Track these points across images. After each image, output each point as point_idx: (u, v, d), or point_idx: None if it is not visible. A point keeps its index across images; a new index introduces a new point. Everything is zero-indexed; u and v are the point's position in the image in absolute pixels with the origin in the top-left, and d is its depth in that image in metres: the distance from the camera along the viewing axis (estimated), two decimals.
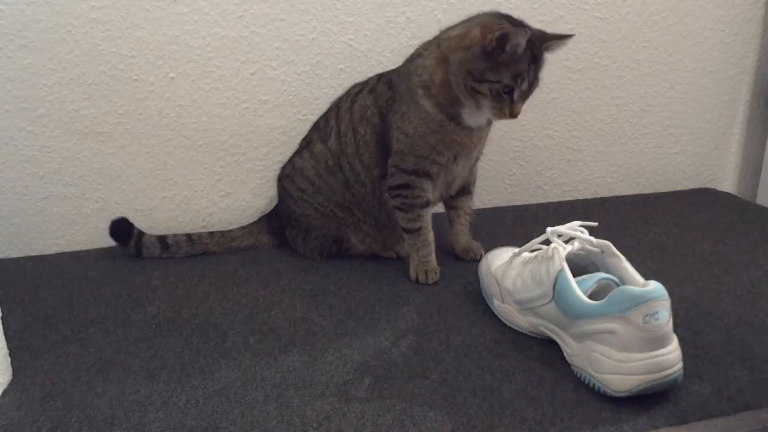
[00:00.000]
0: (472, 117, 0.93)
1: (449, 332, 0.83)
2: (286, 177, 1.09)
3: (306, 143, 1.07)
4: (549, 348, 0.78)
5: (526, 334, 0.82)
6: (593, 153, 1.38)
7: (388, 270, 1.02)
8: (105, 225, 1.13)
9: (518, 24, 0.89)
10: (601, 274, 0.74)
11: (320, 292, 0.95)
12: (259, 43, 1.13)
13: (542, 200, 1.37)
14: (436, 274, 0.98)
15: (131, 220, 1.12)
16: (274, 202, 1.15)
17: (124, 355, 0.79)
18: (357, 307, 0.90)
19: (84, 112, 1.09)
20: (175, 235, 1.09)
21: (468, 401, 0.69)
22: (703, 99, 1.42)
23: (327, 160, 1.03)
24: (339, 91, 1.11)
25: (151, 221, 1.17)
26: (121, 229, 1.07)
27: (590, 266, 0.78)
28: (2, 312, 0.75)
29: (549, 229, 0.79)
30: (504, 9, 1.21)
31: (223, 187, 1.19)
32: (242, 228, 1.13)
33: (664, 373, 0.66)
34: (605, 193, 1.42)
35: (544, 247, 0.80)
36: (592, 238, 0.76)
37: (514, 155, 1.33)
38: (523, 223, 1.22)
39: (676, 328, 0.68)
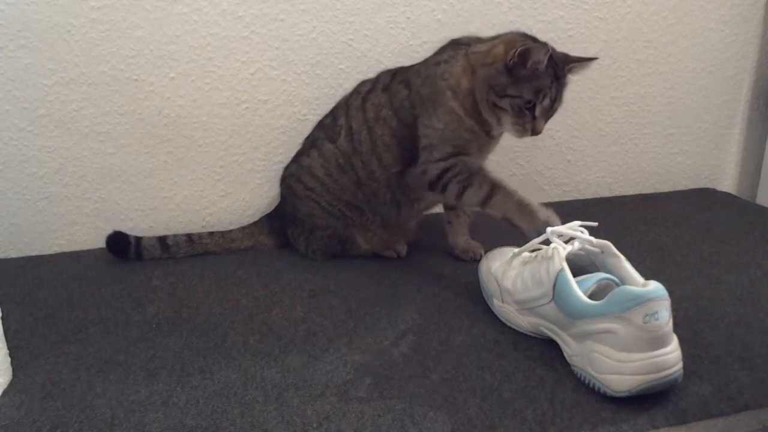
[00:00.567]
0: (496, 128, 0.95)
1: (449, 332, 0.83)
2: (291, 176, 1.09)
3: (313, 142, 1.07)
4: (549, 348, 0.78)
5: (526, 334, 0.82)
6: (593, 153, 1.38)
7: (388, 270, 1.02)
8: (105, 225, 1.14)
9: (542, 44, 0.91)
10: (601, 274, 0.74)
11: (320, 292, 0.95)
12: (259, 43, 1.13)
13: (542, 200, 1.35)
14: (547, 215, 0.89)
15: (131, 219, 1.12)
16: (275, 203, 1.15)
17: (124, 355, 0.79)
18: (357, 307, 0.90)
19: (84, 112, 1.09)
20: (175, 236, 1.09)
21: (468, 401, 0.69)
22: (703, 99, 1.42)
23: (338, 158, 1.02)
24: (339, 91, 1.12)
25: (151, 221, 1.17)
26: (118, 242, 1.07)
27: (590, 266, 0.78)
28: (2, 312, 0.75)
29: (549, 229, 0.79)
30: (504, 8, 1.22)
31: (223, 187, 1.19)
32: (242, 229, 1.12)
33: (664, 373, 0.66)
34: (605, 193, 1.42)
35: (544, 247, 0.80)
36: (592, 238, 0.76)
37: (514, 155, 1.33)
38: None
39: (676, 328, 0.68)
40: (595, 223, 0.79)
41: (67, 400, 0.70)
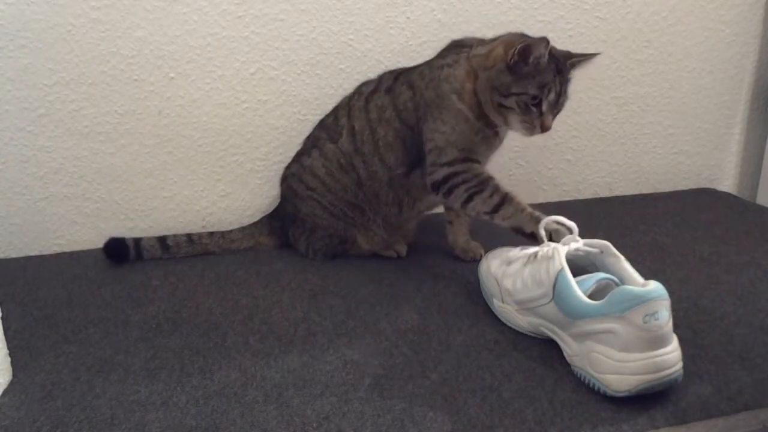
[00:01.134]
0: (504, 129, 0.96)
1: (449, 332, 0.83)
2: (292, 176, 1.08)
3: (314, 142, 1.07)
4: (549, 348, 0.78)
5: (526, 334, 0.82)
6: (593, 153, 1.38)
7: (388, 270, 1.02)
8: (105, 225, 1.14)
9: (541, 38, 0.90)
10: (601, 274, 0.74)
11: (320, 292, 0.95)
12: (259, 43, 1.13)
13: (542, 200, 1.37)
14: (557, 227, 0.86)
15: (131, 219, 1.12)
16: (275, 203, 1.15)
17: (124, 355, 0.79)
18: (357, 307, 0.90)
19: (84, 112, 1.09)
20: (175, 236, 1.09)
21: (468, 401, 0.69)
22: (703, 99, 1.41)
23: (339, 158, 1.02)
24: (339, 91, 1.12)
25: (151, 221, 1.17)
26: (116, 248, 1.06)
27: (590, 266, 0.78)
28: (2, 312, 0.75)
29: (550, 218, 0.80)
30: (504, 8, 1.22)
31: (223, 187, 1.19)
32: (242, 229, 1.12)
33: (664, 373, 0.66)
34: (605, 193, 1.42)
35: (543, 248, 0.80)
36: (580, 242, 0.77)
37: (514, 155, 1.33)
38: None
39: (676, 328, 0.68)
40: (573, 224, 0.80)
41: (67, 400, 0.70)
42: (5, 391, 0.72)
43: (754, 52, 1.42)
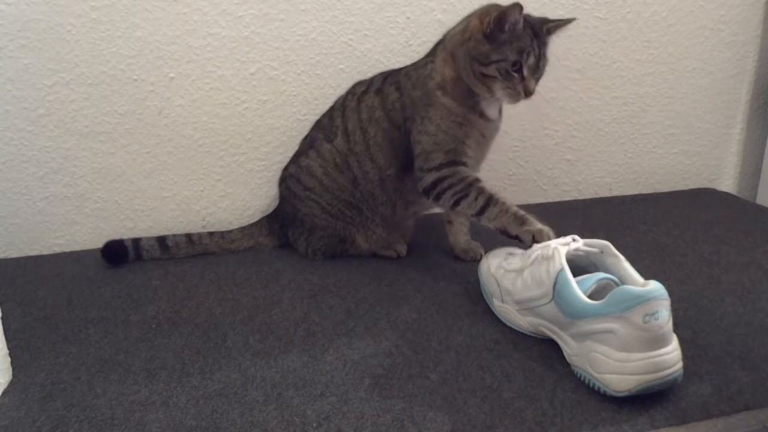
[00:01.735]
0: (489, 107, 0.97)
1: (449, 332, 0.83)
2: (290, 176, 1.09)
3: (311, 143, 1.07)
4: (549, 348, 0.78)
5: (526, 334, 0.82)
6: (593, 153, 1.38)
7: (388, 270, 1.02)
8: (105, 225, 1.14)
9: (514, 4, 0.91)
10: (601, 274, 0.74)
11: (320, 292, 0.95)
12: (259, 43, 1.13)
13: (542, 200, 1.37)
14: (541, 225, 0.89)
15: (131, 219, 1.12)
16: (275, 203, 1.15)
17: (124, 355, 0.79)
18: (357, 307, 0.90)
19: (84, 112, 1.09)
20: (174, 236, 1.09)
21: (468, 401, 0.69)
22: (703, 99, 1.42)
23: (335, 158, 1.03)
24: (339, 91, 1.12)
25: (151, 221, 1.17)
26: (114, 250, 1.06)
27: (590, 266, 0.78)
28: (2, 312, 0.75)
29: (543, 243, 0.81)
30: None
31: (223, 187, 1.19)
32: (242, 229, 1.12)
33: (664, 373, 0.66)
34: (605, 193, 1.42)
35: (540, 251, 0.81)
36: (580, 242, 0.76)
37: (514, 155, 1.33)
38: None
39: (676, 328, 0.68)
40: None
41: (67, 400, 0.70)
42: (5, 391, 0.72)
43: (754, 52, 1.42)
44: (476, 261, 1.00)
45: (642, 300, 0.65)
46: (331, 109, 1.08)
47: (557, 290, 0.74)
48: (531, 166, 1.35)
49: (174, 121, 1.13)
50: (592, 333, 0.69)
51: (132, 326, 0.86)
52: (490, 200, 0.92)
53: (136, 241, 1.07)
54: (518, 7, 0.88)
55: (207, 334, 0.83)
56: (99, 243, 1.07)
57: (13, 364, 0.75)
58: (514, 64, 0.90)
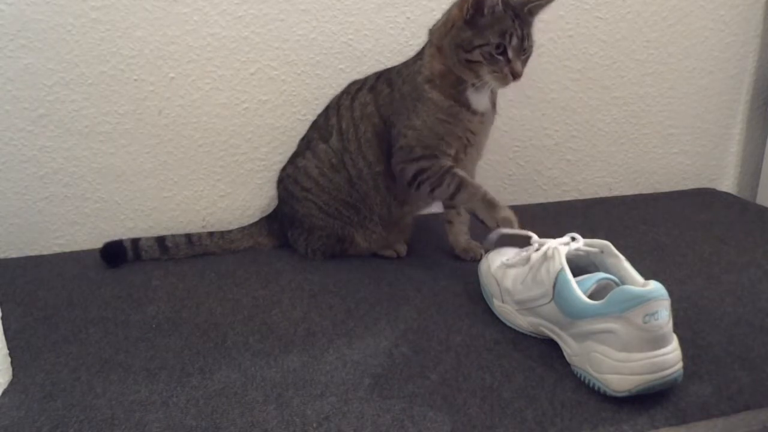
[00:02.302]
0: (477, 98, 0.96)
1: (449, 332, 0.83)
2: (288, 177, 1.09)
3: (307, 143, 1.07)
4: (549, 348, 0.78)
5: (526, 334, 0.82)
6: (593, 153, 1.38)
7: (388, 270, 1.02)
8: (105, 225, 1.14)
9: None
10: (601, 274, 0.74)
11: (320, 292, 0.95)
12: (259, 43, 1.13)
13: (542, 200, 1.37)
14: (508, 212, 0.93)
15: (131, 219, 1.12)
16: (274, 203, 1.15)
17: (124, 355, 0.79)
18: (357, 307, 0.90)
19: (84, 112, 1.09)
20: (174, 237, 1.09)
21: (468, 401, 0.69)
22: (703, 99, 1.42)
23: (331, 158, 1.03)
24: (339, 91, 1.12)
25: (151, 221, 1.17)
26: (113, 251, 1.06)
27: (590, 266, 0.78)
28: (2, 312, 0.75)
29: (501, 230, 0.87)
30: None
31: (223, 187, 1.19)
32: (242, 229, 1.12)
33: (664, 373, 0.66)
34: (605, 193, 1.42)
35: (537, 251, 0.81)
36: (580, 242, 0.76)
37: (514, 155, 1.33)
38: (522, 223, 1.21)
39: (676, 328, 0.68)
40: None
41: (67, 400, 0.70)
42: (5, 391, 0.72)
43: (754, 52, 1.42)
44: (476, 261, 1.00)
45: (642, 300, 0.65)
46: (327, 108, 1.08)
47: (557, 290, 0.74)
48: (531, 166, 1.35)
49: (174, 121, 1.13)
50: (592, 333, 0.69)
51: (132, 326, 0.86)
52: (461, 184, 0.95)
53: (135, 242, 1.07)
54: None
55: (207, 334, 0.84)
56: (99, 243, 1.07)
57: (13, 364, 0.75)
58: (497, 47, 0.90)
